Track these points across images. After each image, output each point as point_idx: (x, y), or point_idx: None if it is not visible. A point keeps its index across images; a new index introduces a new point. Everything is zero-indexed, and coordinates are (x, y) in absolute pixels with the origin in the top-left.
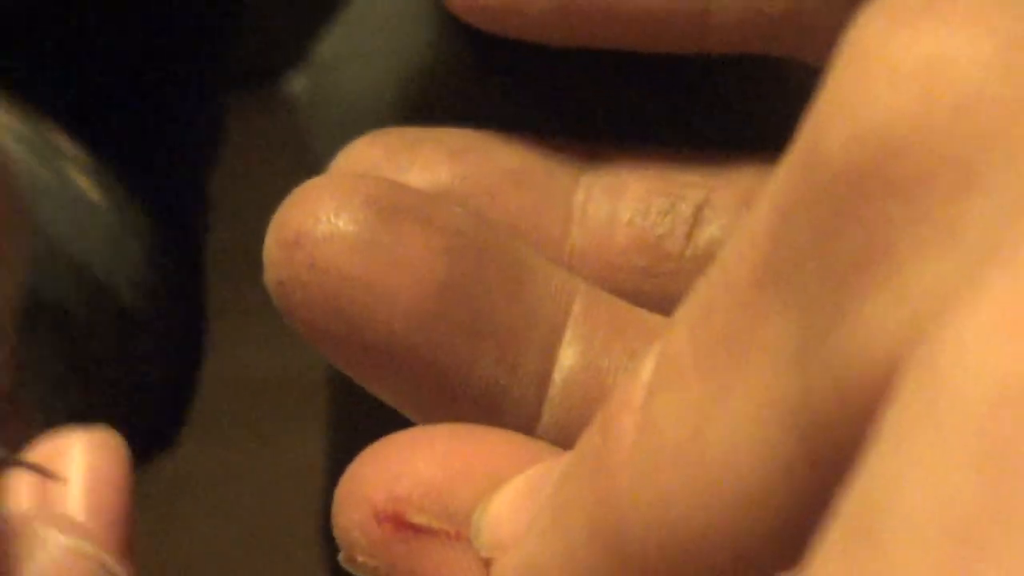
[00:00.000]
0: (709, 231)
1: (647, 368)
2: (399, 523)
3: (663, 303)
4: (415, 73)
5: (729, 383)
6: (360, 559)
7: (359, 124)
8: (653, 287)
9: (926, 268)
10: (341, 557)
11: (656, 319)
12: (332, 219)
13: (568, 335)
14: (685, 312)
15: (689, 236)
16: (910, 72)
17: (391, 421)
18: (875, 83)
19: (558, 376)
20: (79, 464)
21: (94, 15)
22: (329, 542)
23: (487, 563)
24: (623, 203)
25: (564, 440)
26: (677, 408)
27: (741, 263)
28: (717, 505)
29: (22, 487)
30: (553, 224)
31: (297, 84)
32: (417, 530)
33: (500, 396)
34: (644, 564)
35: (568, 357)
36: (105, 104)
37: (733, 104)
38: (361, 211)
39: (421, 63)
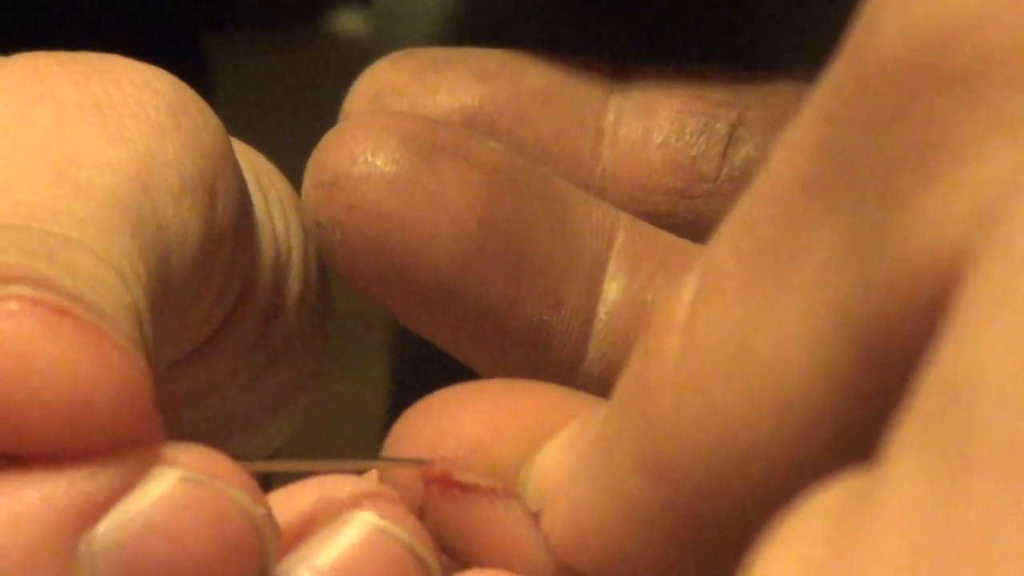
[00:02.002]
0: (744, 151)
1: (688, 287)
2: (446, 482)
3: (698, 224)
4: (474, 5)
5: (776, 293)
6: None
7: None
8: (687, 208)
9: (987, 159)
10: None
11: (699, 250)
12: (370, 159)
13: (611, 269)
14: (727, 227)
15: (724, 156)
16: None
17: (450, 356)
18: None
19: (603, 311)
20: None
21: None
22: None
23: (535, 517)
24: (655, 124)
25: (610, 375)
26: (721, 322)
27: (786, 171)
28: (765, 417)
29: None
30: (583, 145)
31: (348, 21)
32: (464, 488)
33: (545, 333)
34: (692, 489)
35: (612, 291)
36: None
37: (764, 22)
38: (398, 150)
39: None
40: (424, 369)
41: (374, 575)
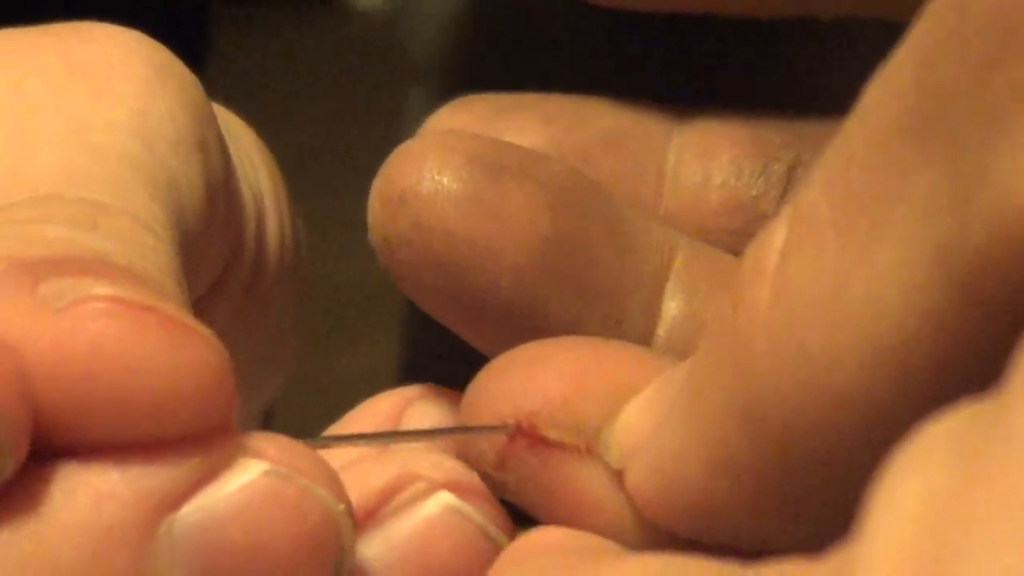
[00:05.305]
0: None
1: (778, 234)
2: (532, 436)
3: None
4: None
5: (872, 236)
6: (487, 472)
7: (445, 38)
8: (747, 248)
9: None
10: None
11: None
12: (437, 177)
13: (670, 287)
14: (819, 174)
15: (783, 197)
16: None
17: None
18: None
19: (661, 330)
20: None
21: None
22: None
23: (618, 477)
24: (715, 165)
25: None
26: (815, 266)
27: (881, 115)
28: (859, 361)
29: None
30: (646, 187)
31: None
32: (548, 444)
33: None
34: (783, 435)
35: (671, 309)
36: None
37: (823, 66)
38: (465, 168)
39: None
40: (434, 343)
41: (446, 553)
